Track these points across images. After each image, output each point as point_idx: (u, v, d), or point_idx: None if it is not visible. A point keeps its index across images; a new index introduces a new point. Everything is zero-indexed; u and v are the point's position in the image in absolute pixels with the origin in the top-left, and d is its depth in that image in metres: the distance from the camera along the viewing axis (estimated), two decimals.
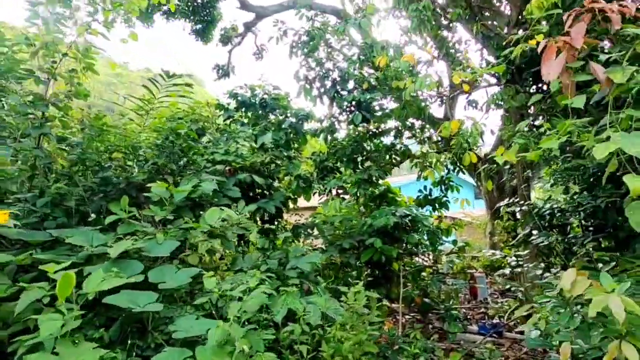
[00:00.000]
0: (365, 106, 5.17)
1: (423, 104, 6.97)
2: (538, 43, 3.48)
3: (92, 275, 2.07)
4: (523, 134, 3.40)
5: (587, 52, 2.24)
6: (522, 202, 4.31)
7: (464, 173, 8.44)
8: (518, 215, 9.28)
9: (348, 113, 5.63)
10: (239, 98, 6.65)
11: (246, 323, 2.75)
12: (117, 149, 4.08)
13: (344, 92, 5.44)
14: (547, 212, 3.44)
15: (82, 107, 4.48)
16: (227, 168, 5.18)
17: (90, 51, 3.86)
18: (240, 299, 2.30)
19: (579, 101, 2.15)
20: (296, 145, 6.96)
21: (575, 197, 3.08)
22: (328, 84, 5.41)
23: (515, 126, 4.20)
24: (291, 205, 7.04)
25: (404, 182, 15.48)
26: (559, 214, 3.46)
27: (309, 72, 5.68)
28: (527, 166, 4.66)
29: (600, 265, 2.57)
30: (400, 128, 7.14)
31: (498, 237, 9.33)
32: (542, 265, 3.82)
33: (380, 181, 8.22)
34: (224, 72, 11.31)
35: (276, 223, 6.80)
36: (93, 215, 3.67)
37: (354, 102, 5.18)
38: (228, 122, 6.83)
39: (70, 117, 4.01)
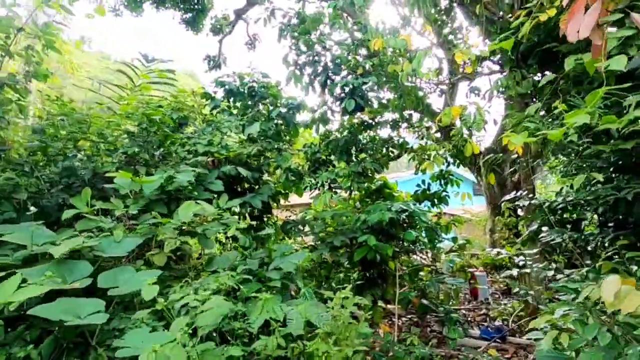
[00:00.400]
0: (359, 93, 4.78)
1: (421, 93, 6.59)
2: (550, 18, 3.10)
3: (6, 282, 1.69)
4: (532, 118, 3.02)
5: (626, 2, 1.85)
6: (530, 195, 3.94)
7: (464, 166, 8.06)
8: (519, 212, 8.95)
9: (341, 101, 5.24)
10: (226, 87, 6.25)
11: (215, 336, 2.38)
12: (83, 136, 3.69)
13: (337, 78, 5.05)
14: (560, 206, 3.07)
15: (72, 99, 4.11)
16: (209, 160, 4.79)
17: (51, 27, 3.46)
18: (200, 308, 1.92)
19: (617, 63, 1.76)
20: (287, 138, 6.58)
21: (592, 188, 2.71)
22: (319, 69, 5.02)
23: (521, 114, 3.83)
24: (282, 201, 6.68)
25: (405, 177, 15.10)
26: (572, 208, 3.10)
27: (299, 57, 5.28)
28: (533, 158, 4.29)
29: (634, 268, 2.21)
30: (397, 120, 6.75)
31: (499, 234, 8.98)
32: (553, 265, 3.47)
33: (377, 175, 7.87)
34: (215, 63, 10.88)
35: (266, 219, 6.44)
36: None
37: (346, 88, 4.79)
38: (215, 112, 6.44)
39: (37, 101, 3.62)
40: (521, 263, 3.64)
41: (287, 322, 2.65)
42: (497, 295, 7.09)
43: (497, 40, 2.94)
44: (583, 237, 2.87)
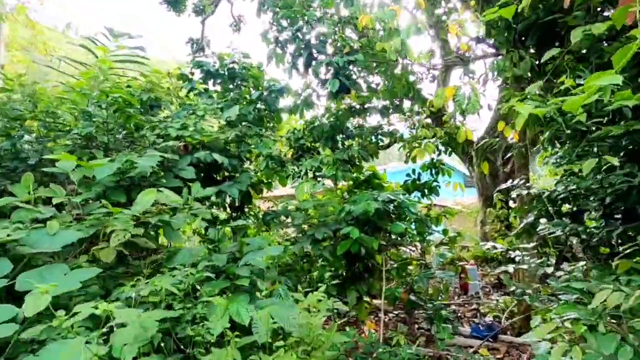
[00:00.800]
0: (345, 73, 4.40)
1: (412, 78, 6.24)
2: None
3: None
4: (534, 96, 2.70)
5: None
6: (527, 184, 3.64)
7: (456, 154, 7.76)
8: (511, 204, 8.73)
9: (325, 83, 4.85)
10: (205, 67, 5.82)
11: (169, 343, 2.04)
12: (30, 115, 3.26)
13: (322, 57, 4.65)
14: (561, 195, 2.77)
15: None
16: (181, 145, 4.39)
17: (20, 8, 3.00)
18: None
19: None
20: (270, 124, 6.19)
21: (599, 176, 2.42)
22: (302, 46, 4.61)
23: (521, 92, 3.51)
24: (265, 192, 6.32)
25: (400, 168, 14.80)
26: (573, 198, 2.81)
27: (280, 34, 4.87)
28: (530, 143, 3.99)
29: None
30: (387, 106, 6.39)
31: (490, 227, 8.77)
32: (548, 259, 3.19)
33: (366, 165, 7.53)
34: (198, 46, 10.34)
35: (247, 210, 6.08)
36: None
37: (331, 68, 4.41)
38: (192, 95, 6.02)
39: None
40: (517, 258, 3.35)
41: (254, 327, 2.32)
42: (487, 289, 6.88)
43: (497, 7, 2.58)
44: (588, 230, 2.59)
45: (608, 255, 3.77)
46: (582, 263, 3.45)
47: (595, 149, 2.43)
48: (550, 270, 2.91)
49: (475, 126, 9.42)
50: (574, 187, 2.67)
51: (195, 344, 2.17)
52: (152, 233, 3.22)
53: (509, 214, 8.36)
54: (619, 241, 2.42)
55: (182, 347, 2.15)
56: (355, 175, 7.25)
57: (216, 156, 4.42)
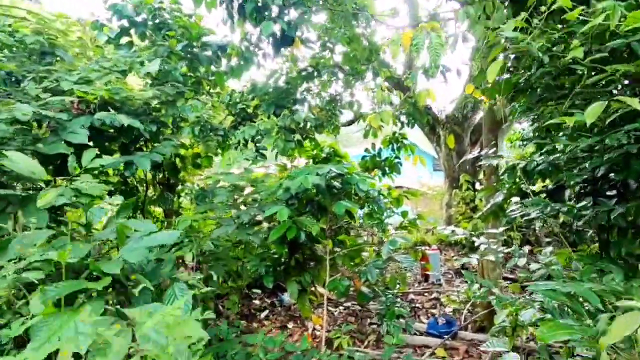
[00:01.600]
0: (284, 16, 3.55)
1: (377, 40, 5.46)
2: None
3: None
4: (516, 33, 2.03)
5: None
6: (499, 154, 3.01)
7: (420, 127, 7.14)
8: (477, 186, 8.34)
9: (269, 38, 3.98)
10: (123, 13, 4.76)
11: None
12: None
13: None
14: (540, 167, 2.15)
15: None
16: (74, 100, 3.44)
17: None
18: None
19: None
20: (208, 88, 5.26)
21: (588, 141, 1.79)
22: None
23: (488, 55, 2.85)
24: (208, 168, 5.45)
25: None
26: (553, 169, 2.19)
27: None
28: (506, 104, 3.35)
29: None
30: (349, 73, 5.59)
31: (455, 209, 8.37)
32: (526, 249, 2.61)
33: (328, 140, 6.76)
34: None
35: (180, 188, 5.20)
36: None
37: (268, 13, 3.54)
38: (112, 48, 4.98)
39: None
40: (482, 246, 2.76)
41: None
42: (450, 275, 6.45)
43: None
44: (576, 210, 1.98)
45: (573, 240, 3.28)
46: (549, 249, 2.92)
47: (597, 94, 1.79)
48: (522, 262, 2.33)
49: (443, 105, 8.90)
50: (557, 156, 2.04)
51: None
52: None
53: (474, 196, 7.97)
54: (616, 224, 1.84)
55: None
56: (315, 152, 6.53)
57: (122, 118, 3.49)
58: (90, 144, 3.48)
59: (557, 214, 2.14)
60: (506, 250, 2.67)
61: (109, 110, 3.57)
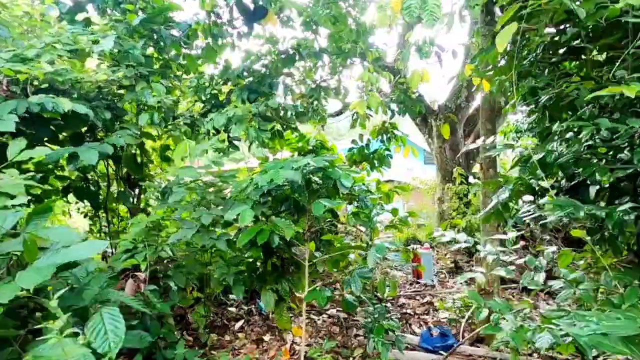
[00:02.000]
0: None
1: (364, 20, 4.96)
2: None
3: None
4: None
5: None
6: (508, 143, 2.57)
7: (411, 115, 6.70)
8: (471, 179, 7.95)
9: (241, 10, 3.46)
10: None
11: None
12: None
13: None
14: (564, 158, 1.70)
15: None
16: (1, 81, 2.89)
17: None
18: None
19: None
20: (180, 73, 4.71)
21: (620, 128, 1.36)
22: None
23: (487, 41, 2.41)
24: (179, 161, 4.93)
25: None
26: (575, 162, 1.75)
27: None
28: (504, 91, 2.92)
29: None
30: (334, 53, 5.08)
31: (448, 204, 7.97)
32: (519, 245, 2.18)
33: (313, 132, 6.29)
34: None
35: (145, 184, 4.67)
36: None
37: None
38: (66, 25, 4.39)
39: None
40: (490, 257, 2.30)
41: None
42: (443, 275, 6.07)
43: None
44: (614, 215, 1.54)
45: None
46: (552, 249, 2.51)
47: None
48: (540, 278, 1.90)
49: (436, 96, 8.47)
50: (586, 145, 1.60)
51: None
52: None
53: (468, 190, 7.59)
54: None
55: None
56: (300, 144, 6.04)
57: (65, 102, 2.95)
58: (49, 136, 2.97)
59: (594, 219, 1.69)
60: (518, 261, 2.24)
61: (53, 95, 3.03)
